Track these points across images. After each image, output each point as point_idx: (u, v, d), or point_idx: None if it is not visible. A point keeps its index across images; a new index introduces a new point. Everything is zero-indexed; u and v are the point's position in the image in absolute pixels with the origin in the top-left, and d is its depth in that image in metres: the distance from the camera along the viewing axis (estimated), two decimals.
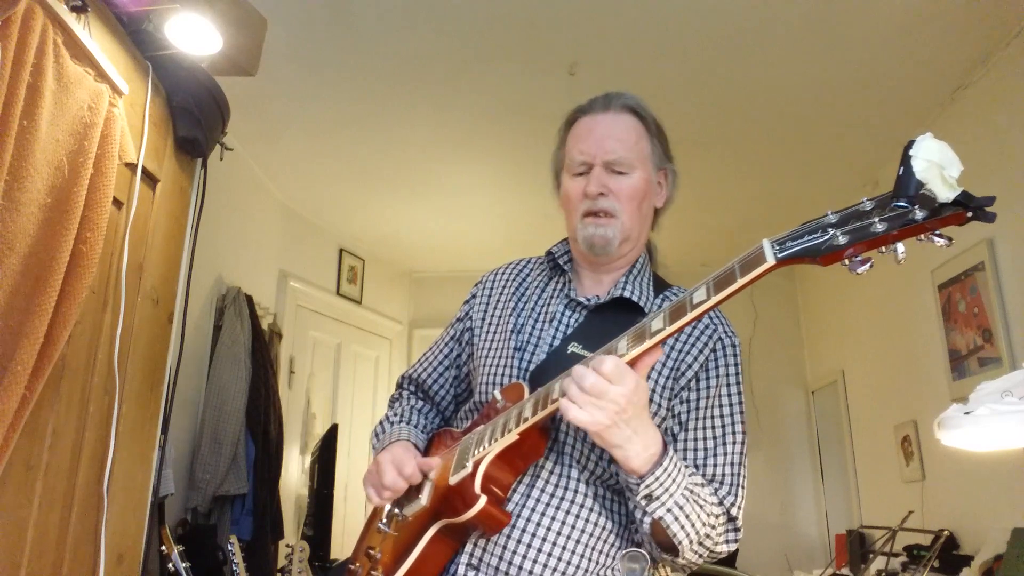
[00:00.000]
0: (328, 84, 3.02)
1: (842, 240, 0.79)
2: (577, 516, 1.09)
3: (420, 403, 1.40)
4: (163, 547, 2.13)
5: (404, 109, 3.20)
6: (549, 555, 1.06)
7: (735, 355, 1.17)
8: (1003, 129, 2.66)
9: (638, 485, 0.99)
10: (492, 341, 1.28)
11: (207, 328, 3.23)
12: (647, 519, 1.02)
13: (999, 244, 2.71)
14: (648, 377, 1.07)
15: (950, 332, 3.00)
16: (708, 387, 1.14)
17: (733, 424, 1.14)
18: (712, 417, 1.14)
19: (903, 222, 0.75)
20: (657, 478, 0.99)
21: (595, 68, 2.87)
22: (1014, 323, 2.63)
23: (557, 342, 1.21)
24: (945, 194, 0.74)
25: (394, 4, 2.54)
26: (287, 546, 3.03)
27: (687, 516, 1.01)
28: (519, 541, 1.07)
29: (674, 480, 1.00)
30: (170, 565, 2.11)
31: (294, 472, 3.97)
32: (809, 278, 4.72)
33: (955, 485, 2.99)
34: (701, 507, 1.03)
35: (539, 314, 1.26)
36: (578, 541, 1.08)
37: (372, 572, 1.15)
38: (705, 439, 1.13)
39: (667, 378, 1.14)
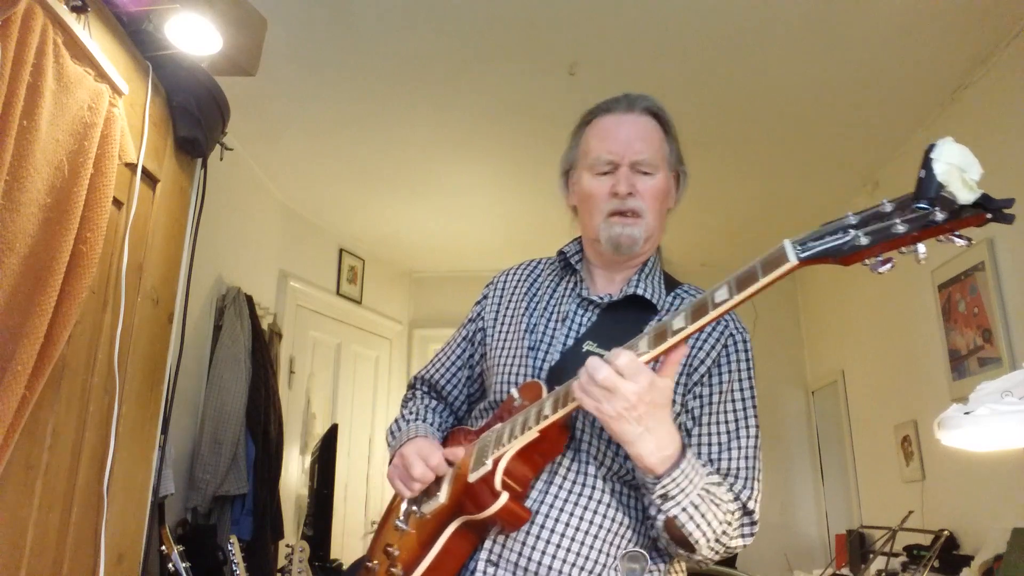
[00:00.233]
0: (328, 84, 3.02)
1: (864, 241, 0.81)
2: (595, 512, 1.11)
3: (434, 402, 1.42)
4: (163, 547, 2.13)
5: (404, 109, 3.20)
6: (568, 550, 1.08)
7: (747, 350, 1.19)
8: (1003, 129, 2.66)
9: (654, 484, 1.00)
10: (505, 341, 1.29)
11: (207, 328, 3.23)
12: (661, 516, 1.03)
13: (999, 244, 2.71)
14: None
15: (950, 332, 3.00)
16: (721, 382, 1.16)
17: (747, 418, 1.15)
18: (725, 412, 1.15)
19: (924, 223, 0.77)
20: (674, 479, 1.00)
21: (595, 68, 2.87)
22: (1014, 323, 2.63)
23: (571, 341, 1.22)
24: (965, 196, 0.75)
25: (394, 4, 2.54)
26: (287, 546, 3.03)
27: (703, 515, 1.02)
28: (538, 536, 1.09)
29: (691, 481, 1.01)
30: (170, 565, 2.11)
31: (294, 472, 3.97)
32: (809, 278, 4.72)
33: (955, 485, 2.98)
34: (717, 506, 1.04)
35: (551, 314, 1.27)
36: (596, 536, 1.09)
37: (391, 569, 1.16)
38: (719, 433, 1.14)
39: (680, 374, 1.15)
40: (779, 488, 4.63)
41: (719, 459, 1.12)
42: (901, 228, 0.78)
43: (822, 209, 4.11)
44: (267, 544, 3.19)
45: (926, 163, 0.77)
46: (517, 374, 1.22)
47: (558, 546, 1.08)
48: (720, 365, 1.16)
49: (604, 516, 1.11)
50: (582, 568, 1.08)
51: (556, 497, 1.11)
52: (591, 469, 1.13)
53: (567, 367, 1.14)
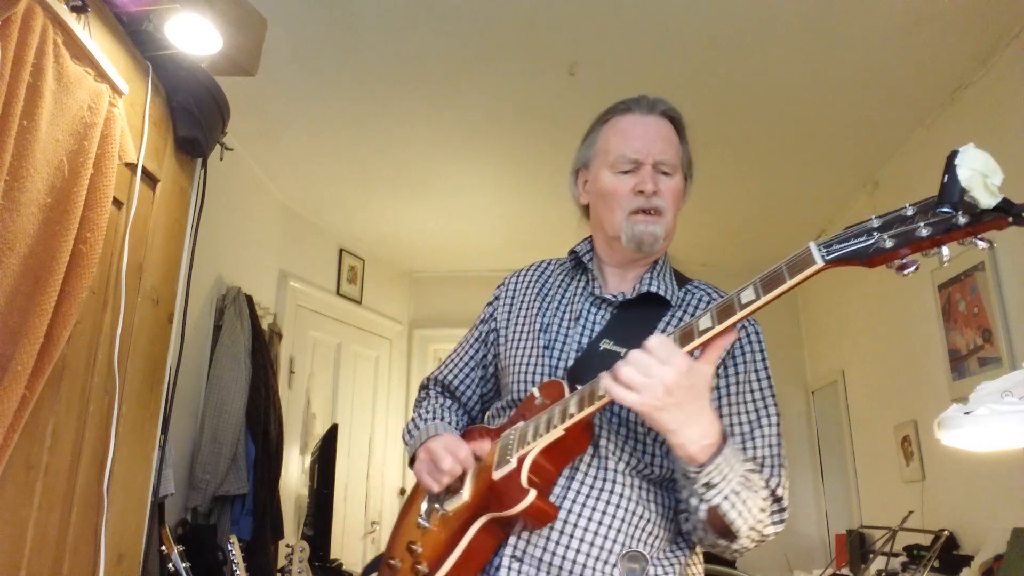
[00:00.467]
0: (328, 84, 3.02)
1: (889, 244, 0.84)
2: (617, 507, 1.12)
3: (448, 401, 1.43)
4: (163, 547, 2.13)
5: (404, 109, 3.20)
6: (591, 544, 1.09)
7: (759, 340, 1.20)
8: (1003, 129, 2.66)
9: (697, 473, 1.00)
10: (520, 341, 1.30)
11: (207, 328, 3.23)
12: (704, 506, 1.03)
13: (999, 244, 2.71)
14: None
15: (950, 332, 3.00)
16: (737, 372, 1.16)
17: (767, 406, 1.16)
18: (745, 402, 1.15)
19: (947, 226, 0.81)
20: (717, 466, 1.00)
21: (595, 68, 2.87)
22: (1014, 323, 2.63)
23: (585, 340, 1.23)
24: (987, 201, 0.79)
25: (394, 4, 2.54)
26: (287, 546, 3.03)
27: (744, 502, 1.03)
28: (562, 532, 1.10)
29: (732, 467, 1.01)
30: (170, 565, 2.11)
31: (294, 472, 3.97)
32: (809, 279, 4.72)
33: (955, 485, 2.98)
34: (756, 492, 1.05)
35: (564, 313, 1.28)
36: (619, 531, 1.10)
37: (417, 566, 1.16)
38: (741, 423, 1.14)
39: None
40: None
41: (743, 449, 1.12)
42: (924, 231, 0.81)
43: (822, 209, 4.11)
44: (267, 544, 3.19)
45: (949, 168, 0.80)
46: (534, 373, 1.24)
47: (582, 540, 1.09)
48: (735, 356, 1.17)
49: (627, 511, 1.12)
50: (606, 562, 1.09)
51: (579, 493, 1.12)
52: (611, 464, 1.14)
53: (587, 366, 1.15)
